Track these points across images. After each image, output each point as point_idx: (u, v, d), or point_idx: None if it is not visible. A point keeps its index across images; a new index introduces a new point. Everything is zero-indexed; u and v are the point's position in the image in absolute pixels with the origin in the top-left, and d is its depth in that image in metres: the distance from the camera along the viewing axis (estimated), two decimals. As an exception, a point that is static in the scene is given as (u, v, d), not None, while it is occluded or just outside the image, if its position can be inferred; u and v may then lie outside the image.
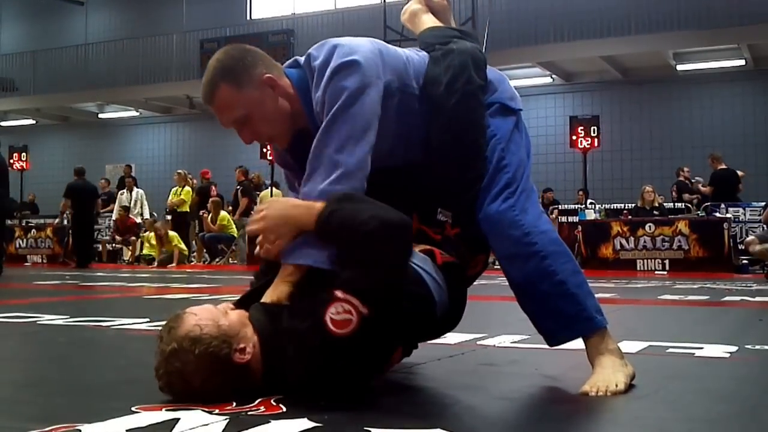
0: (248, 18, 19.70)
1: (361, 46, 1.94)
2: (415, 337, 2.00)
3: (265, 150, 13.05)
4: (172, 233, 12.96)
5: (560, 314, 2.01)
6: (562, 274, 2.00)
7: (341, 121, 1.85)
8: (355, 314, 1.65)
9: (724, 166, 11.83)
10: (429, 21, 2.32)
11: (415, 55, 2.12)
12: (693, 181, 13.08)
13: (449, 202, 2.02)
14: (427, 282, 1.86)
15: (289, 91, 1.97)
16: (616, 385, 1.88)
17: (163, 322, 1.78)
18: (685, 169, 13.21)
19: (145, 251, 13.45)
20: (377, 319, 1.68)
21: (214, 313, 1.76)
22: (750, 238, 10.44)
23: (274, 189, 13.55)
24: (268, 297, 1.83)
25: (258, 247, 1.88)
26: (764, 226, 10.51)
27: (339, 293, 1.67)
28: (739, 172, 11.93)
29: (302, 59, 2.01)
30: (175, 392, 1.71)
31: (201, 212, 13.47)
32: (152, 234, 13.17)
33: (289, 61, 2.06)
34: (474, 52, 2.12)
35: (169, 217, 14.15)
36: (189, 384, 1.69)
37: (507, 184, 2.03)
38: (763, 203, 11.24)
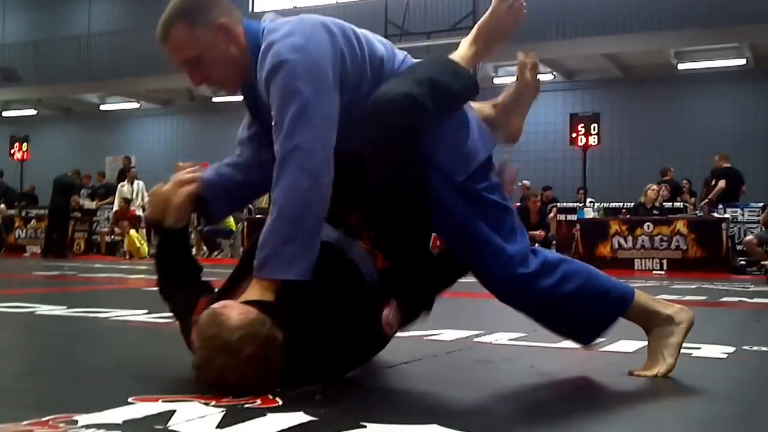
0: (250, 11, 19.67)
1: (321, 49, 1.89)
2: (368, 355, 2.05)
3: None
4: None
5: (588, 317, 2.10)
6: (571, 293, 2.05)
7: (299, 131, 1.82)
8: (394, 321, 1.90)
9: (728, 165, 11.82)
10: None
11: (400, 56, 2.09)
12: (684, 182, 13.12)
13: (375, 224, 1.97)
14: (366, 280, 1.89)
15: (242, 41, 1.99)
16: (660, 368, 2.03)
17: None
18: (672, 169, 13.24)
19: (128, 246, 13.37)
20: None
21: (238, 305, 1.74)
22: (749, 237, 10.46)
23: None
24: (252, 296, 1.81)
25: None
26: (763, 227, 10.52)
27: (393, 301, 1.89)
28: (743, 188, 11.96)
29: (264, 21, 2.02)
30: (225, 387, 1.66)
31: None
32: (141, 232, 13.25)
33: (254, 20, 2.05)
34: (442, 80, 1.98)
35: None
36: (254, 375, 1.66)
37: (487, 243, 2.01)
38: (762, 204, 11.24)
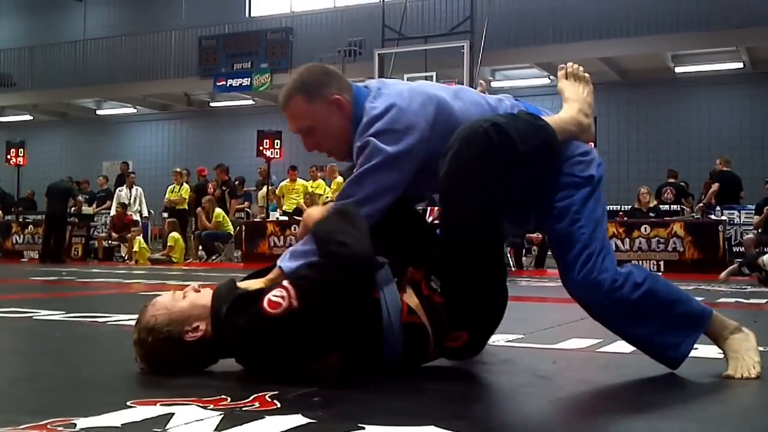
0: (247, 15, 19.69)
1: (418, 115, 2.09)
2: (359, 358, 2.09)
3: (261, 148, 13.09)
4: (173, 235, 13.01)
5: (673, 330, 2.14)
6: (654, 312, 2.11)
7: (370, 179, 2.07)
8: (286, 302, 1.90)
9: (726, 168, 11.86)
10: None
11: (502, 104, 2.26)
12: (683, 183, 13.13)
13: (441, 270, 2.09)
14: (383, 322, 2.00)
15: (351, 114, 2.18)
16: (754, 368, 2.07)
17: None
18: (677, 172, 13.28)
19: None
20: (305, 318, 1.90)
21: (169, 301, 2.06)
22: (749, 236, 10.48)
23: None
24: (243, 284, 2.09)
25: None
26: (757, 230, 10.54)
27: (286, 282, 1.95)
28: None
29: (372, 90, 2.18)
30: (152, 369, 2.03)
31: (197, 209, 13.49)
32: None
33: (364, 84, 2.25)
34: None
35: (165, 215, 14.16)
36: (157, 363, 2.02)
37: (583, 248, 2.10)
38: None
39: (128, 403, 1.63)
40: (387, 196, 2.09)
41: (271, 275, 2.11)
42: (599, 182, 2.22)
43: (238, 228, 13.32)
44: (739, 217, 11.33)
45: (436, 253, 2.10)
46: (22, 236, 15.04)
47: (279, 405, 1.64)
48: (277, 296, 1.91)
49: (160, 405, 1.63)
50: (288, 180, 13.64)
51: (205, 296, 2.07)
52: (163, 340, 2.00)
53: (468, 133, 2.00)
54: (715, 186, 11.70)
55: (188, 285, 2.17)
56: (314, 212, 2.15)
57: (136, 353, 2.05)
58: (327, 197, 12.18)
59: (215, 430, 1.44)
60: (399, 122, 2.07)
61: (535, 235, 11.44)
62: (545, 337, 3.03)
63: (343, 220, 2.00)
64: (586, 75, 2.42)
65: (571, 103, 2.32)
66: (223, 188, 14.17)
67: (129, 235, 13.70)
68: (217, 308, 2.00)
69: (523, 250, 11.63)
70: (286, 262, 2.09)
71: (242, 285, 2.09)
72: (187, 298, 2.07)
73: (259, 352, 1.98)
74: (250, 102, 19.23)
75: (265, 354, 1.97)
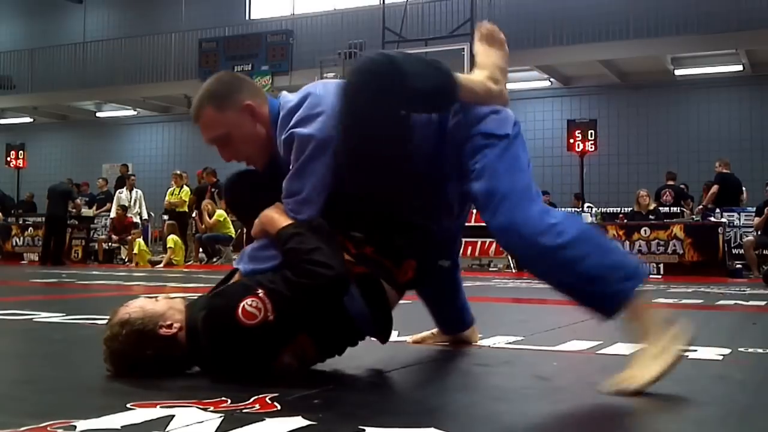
0: (247, 18, 19.70)
1: (337, 95, 2.06)
2: (332, 341, 2.09)
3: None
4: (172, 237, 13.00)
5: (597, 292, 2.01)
6: (583, 259, 1.99)
7: (309, 170, 2.05)
8: (261, 315, 1.91)
9: (726, 171, 11.87)
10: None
11: None
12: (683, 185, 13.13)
13: (359, 224, 2.12)
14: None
15: (267, 120, 2.16)
16: (635, 382, 1.88)
17: None
18: (676, 174, 13.28)
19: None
20: (279, 330, 1.93)
21: (143, 301, 2.11)
22: (748, 239, 10.48)
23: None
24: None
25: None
26: (757, 232, 10.55)
27: (261, 292, 1.93)
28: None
29: (283, 98, 2.19)
30: (118, 368, 2.04)
31: (194, 212, 13.48)
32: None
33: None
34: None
35: (165, 217, 14.15)
36: (127, 359, 2.01)
37: (502, 198, 2.06)
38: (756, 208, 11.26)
39: (128, 406, 1.63)
40: (325, 188, 2.07)
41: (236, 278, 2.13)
42: (516, 137, 2.19)
43: (239, 230, 13.32)
44: (739, 220, 11.34)
45: (344, 209, 2.11)
46: (22, 238, 15.04)
47: (279, 407, 1.64)
48: (252, 307, 1.92)
49: (160, 407, 1.63)
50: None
51: (180, 303, 2.11)
52: (137, 332, 2.01)
53: (360, 63, 2.07)
54: (714, 188, 11.70)
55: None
56: (273, 214, 2.12)
57: (105, 353, 2.06)
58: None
59: (215, 432, 1.44)
60: (318, 106, 2.06)
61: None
62: (545, 339, 3.03)
63: (314, 236, 2.00)
64: (501, 38, 2.35)
65: (481, 69, 2.27)
66: (213, 189, 14.13)
67: (129, 237, 13.71)
68: (193, 315, 2.04)
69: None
70: (244, 265, 2.11)
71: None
72: (163, 302, 2.11)
73: (231, 359, 1.99)
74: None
75: (236, 359, 1.98)
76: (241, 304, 1.92)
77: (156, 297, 2.16)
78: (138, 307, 2.09)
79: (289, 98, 2.14)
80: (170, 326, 2.03)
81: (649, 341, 1.97)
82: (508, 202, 2.06)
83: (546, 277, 2.10)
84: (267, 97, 2.22)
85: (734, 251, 10.99)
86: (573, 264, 2.01)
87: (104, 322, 3.50)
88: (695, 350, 2.65)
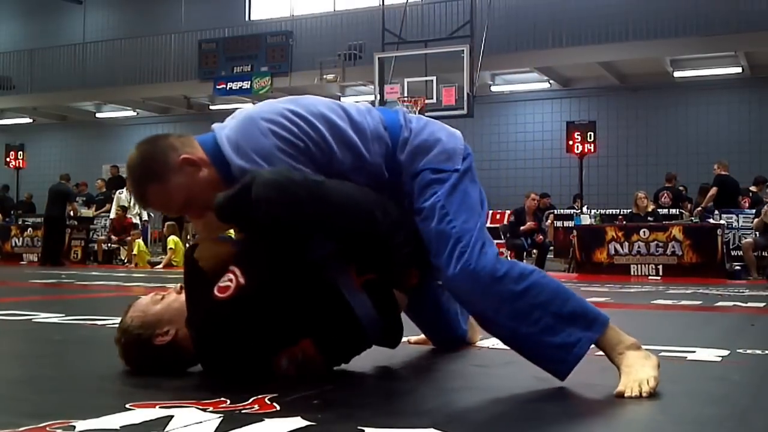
0: (247, 19, 19.70)
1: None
2: (338, 348, 2.06)
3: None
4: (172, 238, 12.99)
5: (560, 343, 1.96)
6: (542, 307, 1.96)
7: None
8: (234, 282, 1.93)
9: (724, 173, 11.88)
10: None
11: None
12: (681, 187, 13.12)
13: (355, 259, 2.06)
14: (346, 296, 1.98)
15: (204, 157, 2.04)
16: (648, 382, 1.88)
17: None
18: (676, 176, 13.28)
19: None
20: (258, 292, 1.92)
21: (147, 304, 2.13)
22: (747, 240, 10.48)
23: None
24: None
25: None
26: (756, 233, 10.55)
27: (231, 266, 1.96)
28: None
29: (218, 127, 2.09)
30: (131, 367, 2.11)
31: None
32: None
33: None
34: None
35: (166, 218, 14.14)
36: (130, 363, 2.11)
37: (456, 242, 1.98)
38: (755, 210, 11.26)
39: (127, 406, 1.64)
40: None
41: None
42: (466, 171, 2.10)
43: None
44: (738, 221, 11.34)
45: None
46: (21, 239, 15.03)
47: (278, 407, 1.65)
48: (224, 281, 1.94)
49: (159, 407, 1.63)
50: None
51: (180, 299, 2.10)
52: (133, 342, 2.08)
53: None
54: (713, 190, 11.71)
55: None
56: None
57: (118, 351, 2.14)
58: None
59: (214, 432, 1.44)
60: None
61: (537, 236, 11.45)
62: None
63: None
64: None
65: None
66: None
67: (129, 238, 13.69)
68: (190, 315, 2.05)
69: (524, 253, 11.63)
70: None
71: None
72: (163, 301, 2.13)
73: (225, 343, 1.96)
74: (250, 105, 19.18)
75: (231, 343, 1.96)
76: (216, 285, 1.95)
77: (165, 291, 2.18)
78: (140, 311, 2.12)
79: (224, 128, 2.05)
80: (166, 333, 2.06)
81: (623, 351, 1.98)
82: (460, 247, 1.97)
83: (501, 328, 2.02)
84: (189, 136, 2.12)
85: (733, 253, 10.99)
86: (532, 310, 1.95)
87: (103, 322, 3.51)
88: (694, 351, 2.66)
